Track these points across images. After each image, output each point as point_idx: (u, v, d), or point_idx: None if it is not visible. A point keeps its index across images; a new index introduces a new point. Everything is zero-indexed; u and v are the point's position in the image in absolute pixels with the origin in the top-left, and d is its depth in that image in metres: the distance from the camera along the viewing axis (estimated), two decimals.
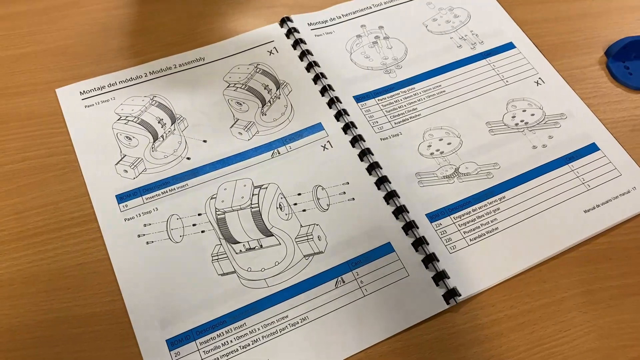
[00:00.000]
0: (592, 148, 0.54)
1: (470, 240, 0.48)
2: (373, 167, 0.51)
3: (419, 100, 0.56)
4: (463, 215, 0.49)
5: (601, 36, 0.62)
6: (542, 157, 0.53)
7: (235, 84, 0.55)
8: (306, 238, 0.47)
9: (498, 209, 0.50)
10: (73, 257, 0.46)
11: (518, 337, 0.44)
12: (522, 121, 0.55)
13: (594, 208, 0.50)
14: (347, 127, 0.53)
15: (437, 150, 0.53)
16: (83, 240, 0.47)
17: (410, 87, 0.57)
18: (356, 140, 0.52)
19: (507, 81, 0.57)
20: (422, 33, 0.61)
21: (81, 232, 0.47)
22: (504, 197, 0.50)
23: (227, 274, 0.45)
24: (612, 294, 0.46)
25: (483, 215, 0.49)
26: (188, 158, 0.51)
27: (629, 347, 0.44)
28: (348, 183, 0.50)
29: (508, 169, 0.52)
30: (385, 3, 0.63)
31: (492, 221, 0.49)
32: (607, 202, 0.50)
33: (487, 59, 0.59)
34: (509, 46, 0.60)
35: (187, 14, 0.61)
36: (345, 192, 0.50)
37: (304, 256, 0.46)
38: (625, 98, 0.58)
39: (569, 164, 0.52)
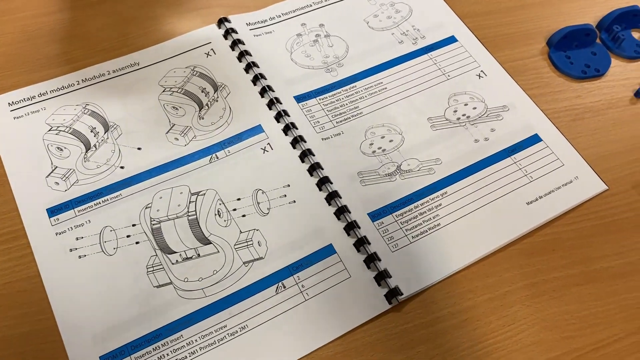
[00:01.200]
0: (535, 139, 0.53)
1: (413, 237, 0.47)
2: (314, 168, 0.50)
3: (360, 98, 0.55)
4: (405, 213, 0.48)
5: (543, 26, 0.62)
6: (484, 151, 0.52)
7: (170, 88, 0.54)
8: (246, 244, 0.46)
9: (440, 204, 0.49)
10: (0, 275, 0.44)
11: (461, 334, 0.44)
12: (463, 115, 0.54)
13: (536, 200, 0.50)
14: (288, 128, 0.52)
15: (379, 148, 0.52)
16: (12, 257, 0.45)
17: (351, 85, 0.56)
18: (297, 141, 0.51)
19: (448, 75, 0.57)
20: (363, 30, 0.60)
21: (10, 249, 0.45)
22: (446, 193, 0.50)
23: (163, 285, 0.44)
24: (555, 286, 0.46)
25: (425, 212, 0.49)
26: (122, 167, 0.49)
27: (572, 337, 0.44)
28: (289, 185, 0.49)
29: (450, 164, 0.51)
30: (325, 0, 0.62)
31: (434, 217, 0.48)
32: (549, 192, 0.50)
33: (429, 54, 0.58)
34: (451, 40, 0.60)
35: (120, 18, 0.59)
36: (286, 195, 0.49)
37: (244, 263, 0.45)
38: (567, 88, 0.58)
39: (512, 156, 0.52)
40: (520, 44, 0.61)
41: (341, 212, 0.48)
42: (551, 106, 0.56)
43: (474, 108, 0.55)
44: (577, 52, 0.60)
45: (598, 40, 0.61)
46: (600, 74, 0.59)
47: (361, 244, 0.46)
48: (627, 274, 0.47)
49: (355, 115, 0.54)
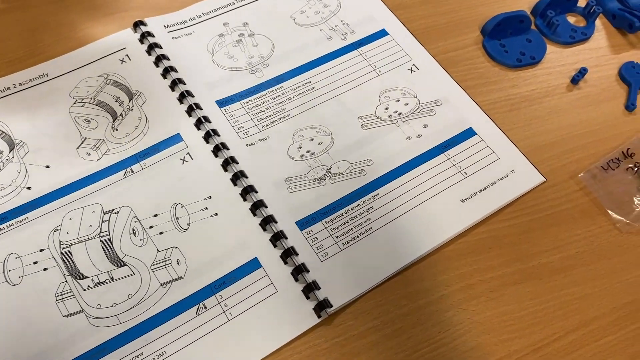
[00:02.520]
0: (469, 133, 0.51)
1: (343, 244, 0.45)
2: (238, 177, 0.47)
3: (287, 99, 0.52)
4: (335, 219, 0.46)
5: (477, 15, 0.60)
6: (417, 148, 0.50)
7: (82, 99, 0.50)
8: (163, 264, 0.43)
9: (372, 207, 0.47)
10: None
11: (395, 345, 0.41)
12: (395, 112, 0.52)
13: (471, 197, 0.48)
14: (209, 136, 0.49)
15: (308, 152, 0.49)
16: None
17: (278, 86, 0.53)
18: (219, 149, 0.48)
19: (379, 71, 0.55)
20: (289, 27, 0.57)
21: None
22: (377, 195, 0.47)
23: (74, 314, 0.41)
24: (492, 286, 0.44)
25: (356, 217, 0.46)
26: (28, 188, 0.46)
27: (510, 340, 0.42)
28: (210, 197, 0.46)
29: (381, 165, 0.49)
30: None
31: (365, 222, 0.46)
32: (485, 188, 0.48)
33: (359, 49, 0.56)
34: (382, 33, 0.57)
35: (29, 26, 0.55)
36: (207, 208, 0.46)
37: (161, 284, 0.42)
38: (502, 77, 0.56)
39: (445, 153, 0.50)
40: (454, 34, 0.58)
41: (267, 222, 0.45)
42: (486, 97, 0.54)
43: (406, 104, 0.53)
44: (511, 39, 0.58)
45: (533, 27, 0.60)
46: (536, 62, 0.57)
47: (288, 255, 0.44)
48: (566, 269, 0.45)
49: (283, 118, 0.51)
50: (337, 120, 0.51)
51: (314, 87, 0.53)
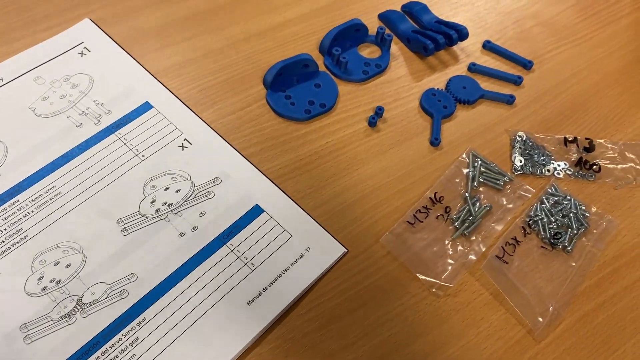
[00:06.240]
0: (256, 212, 0.44)
1: None
2: None
3: (25, 215, 0.42)
4: None
5: (258, 64, 0.53)
6: (193, 246, 0.42)
7: None
8: None
9: (137, 339, 0.37)
10: None
11: None
12: (164, 204, 0.43)
13: (260, 294, 0.40)
14: None
15: (52, 281, 0.39)
16: None
17: (12, 200, 0.43)
18: None
19: (143, 155, 0.46)
20: (28, 121, 0.47)
21: None
22: (144, 320, 0.38)
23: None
24: None
25: (117, 356, 0.37)
26: None
27: None
28: None
29: (148, 278, 0.40)
30: None
31: (130, 359, 0.36)
32: (277, 278, 0.41)
33: (117, 132, 0.47)
34: (145, 108, 0.48)
35: None
36: None
37: None
38: (291, 135, 0.49)
39: (227, 243, 0.42)
40: (235, 92, 0.51)
41: None
42: (274, 163, 0.47)
43: (178, 191, 0.44)
44: (298, 88, 0.51)
45: (324, 69, 0.53)
46: (327, 109, 0.50)
47: None
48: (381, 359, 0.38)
49: (18, 243, 0.41)
50: (90, 230, 0.42)
51: (60, 193, 0.43)
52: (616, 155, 0.49)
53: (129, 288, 0.39)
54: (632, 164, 0.49)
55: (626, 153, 0.49)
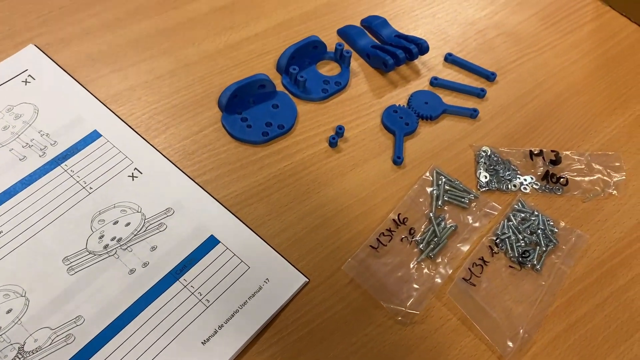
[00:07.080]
0: (211, 243, 0.41)
1: None
2: None
3: None
4: None
5: (213, 86, 0.51)
6: (143, 283, 0.39)
7: None
8: None
9: None
10: None
11: None
12: (113, 239, 0.41)
13: (215, 332, 0.38)
14: None
15: None
16: None
17: None
18: None
19: (90, 188, 0.43)
20: None
21: None
22: None
23: None
24: None
25: None
26: None
27: None
28: None
29: (96, 320, 0.38)
30: None
31: None
32: (233, 314, 0.39)
33: (63, 164, 0.44)
34: (93, 137, 0.46)
35: None
36: None
37: None
38: (249, 159, 0.47)
39: (180, 279, 0.40)
40: (188, 116, 0.49)
41: None
42: (230, 190, 0.45)
43: (127, 224, 0.42)
44: (255, 110, 0.49)
45: (282, 88, 0.51)
46: (285, 131, 0.48)
47: None
48: None
49: None
50: (34, 271, 0.39)
51: (1, 232, 0.41)
52: (583, 167, 0.48)
53: (75, 332, 0.37)
54: (599, 175, 0.48)
55: (593, 164, 0.48)
